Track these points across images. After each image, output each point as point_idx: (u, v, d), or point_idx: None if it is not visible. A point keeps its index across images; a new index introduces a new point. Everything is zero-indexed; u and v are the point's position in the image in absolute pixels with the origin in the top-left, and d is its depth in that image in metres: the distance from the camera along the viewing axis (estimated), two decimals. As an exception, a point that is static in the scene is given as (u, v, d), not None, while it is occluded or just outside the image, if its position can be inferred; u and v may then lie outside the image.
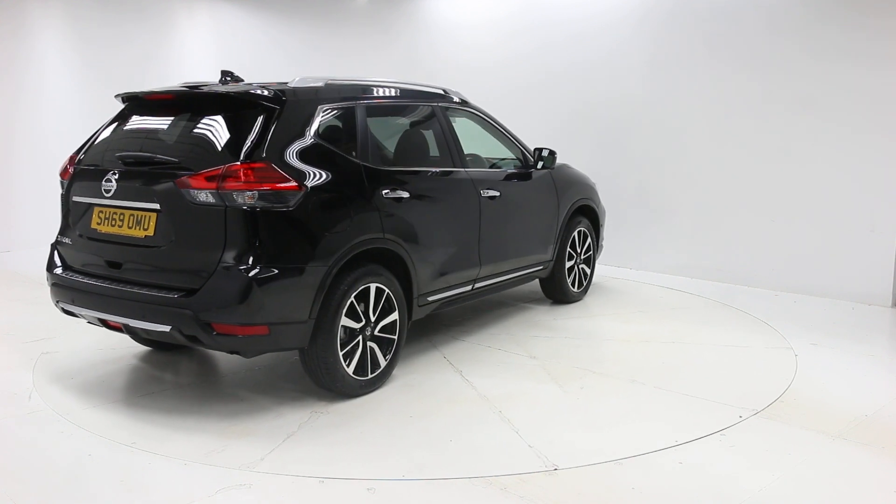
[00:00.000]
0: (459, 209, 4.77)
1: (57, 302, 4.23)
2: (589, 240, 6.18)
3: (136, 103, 4.33)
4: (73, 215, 4.20)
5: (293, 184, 3.67)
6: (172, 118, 4.04)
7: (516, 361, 4.68)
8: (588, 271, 6.26)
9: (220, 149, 3.73)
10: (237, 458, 3.34)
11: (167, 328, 3.64)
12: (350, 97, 4.24)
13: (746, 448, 3.46)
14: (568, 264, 5.93)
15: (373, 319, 4.08)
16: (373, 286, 4.03)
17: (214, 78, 4.73)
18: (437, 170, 4.76)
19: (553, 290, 6.01)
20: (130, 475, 3.20)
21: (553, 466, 3.24)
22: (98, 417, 3.81)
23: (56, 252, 4.29)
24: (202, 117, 3.90)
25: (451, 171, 4.81)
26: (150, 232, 3.77)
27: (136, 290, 3.76)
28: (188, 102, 4.10)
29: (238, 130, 3.75)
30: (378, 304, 4.09)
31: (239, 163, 3.59)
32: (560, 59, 8.08)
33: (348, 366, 3.94)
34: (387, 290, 4.13)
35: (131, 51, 9.29)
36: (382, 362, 4.17)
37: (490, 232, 4.97)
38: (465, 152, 5.48)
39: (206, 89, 4.05)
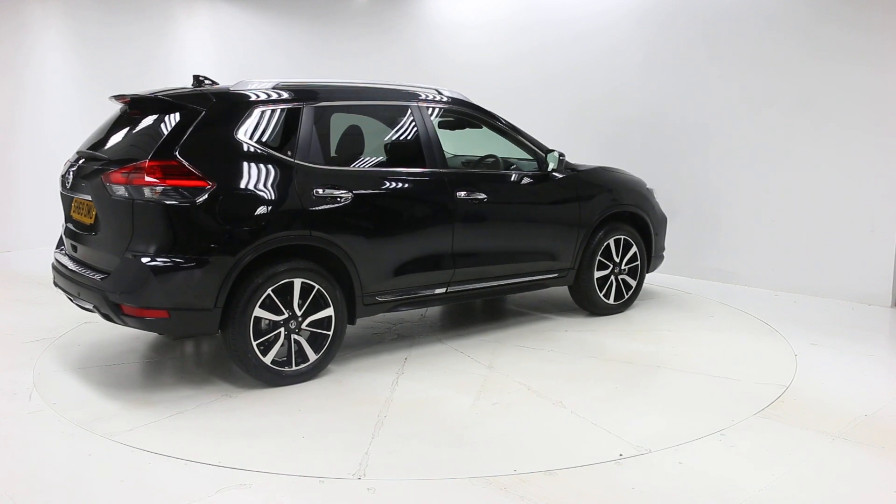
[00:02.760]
0: (423, 210, 4.69)
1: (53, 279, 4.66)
2: (634, 249, 5.78)
3: (119, 105, 4.65)
4: (64, 205, 4.67)
5: (202, 181, 3.90)
6: (127, 119, 4.39)
7: (468, 369, 4.53)
8: (632, 283, 5.83)
9: (142, 147, 4.04)
10: (113, 426, 3.66)
11: (90, 306, 4.13)
12: (298, 99, 4.36)
13: (746, 448, 3.46)
14: (599, 273, 5.58)
15: (299, 314, 4.18)
16: (297, 281, 4.15)
17: (216, 80, 4.79)
18: (396, 170, 4.70)
19: (582, 301, 5.69)
20: (130, 475, 3.20)
21: (359, 477, 3.17)
22: (99, 417, 3.81)
23: (61, 236, 4.81)
24: (144, 119, 4.26)
25: (416, 172, 4.73)
26: (92, 220, 4.22)
27: (78, 269, 4.26)
28: (139, 105, 4.39)
29: (163, 130, 4.06)
30: (306, 299, 4.20)
31: (148, 160, 3.88)
32: (560, 58, 8.10)
33: (265, 355, 4.10)
34: (317, 287, 4.21)
35: (131, 51, 9.29)
36: (312, 356, 4.27)
37: (469, 235, 4.86)
38: (485, 153, 5.49)
39: (148, 93, 4.32)
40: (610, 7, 7.66)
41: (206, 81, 4.50)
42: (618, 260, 5.69)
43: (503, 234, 5.09)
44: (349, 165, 4.65)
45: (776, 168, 6.64)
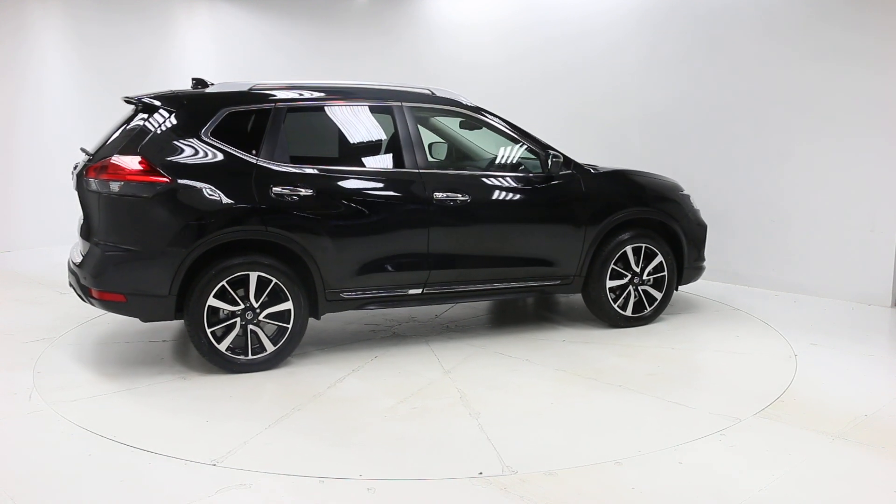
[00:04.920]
0: (393, 210, 4.67)
1: None
2: (659, 259, 5.37)
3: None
4: None
5: (160, 176, 4.21)
6: (126, 119, 4.56)
7: (423, 372, 4.49)
8: (657, 295, 5.42)
9: (120, 145, 4.34)
10: (59, 396, 4.09)
11: (73, 290, 4.55)
12: (268, 100, 4.56)
13: (746, 448, 3.46)
14: (614, 283, 5.27)
15: (256, 305, 4.39)
16: (253, 275, 4.36)
17: (216, 79, 4.82)
18: (364, 170, 4.73)
19: (596, 311, 5.38)
20: (130, 475, 3.20)
21: (213, 462, 3.30)
22: (98, 416, 3.82)
23: None
24: (132, 118, 4.49)
25: (387, 172, 4.74)
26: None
27: (74, 258, 4.56)
28: (133, 106, 4.60)
29: (137, 130, 4.36)
30: (262, 292, 4.40)
31: (113, 157, 4.26)
32: (560, 57, 8.10)
33: (219, 343, 4.36)
34: (274, 280, 4.39)
35: (131, 51, 9.29)
36: (269, 347, 4.47)
37: (447, 237, 4.79)
38: (496, 154, 5.38)
39: (137, 96, 4.56)
40: (610, 7, 7.66)
41: (212, 84, 4.62)
42: (637, 269, 5.34)
43: (488, 237, 4.96)
44: (317, 165, 4.61)
45: (776, 168, 6.64)
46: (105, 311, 5.48)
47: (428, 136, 5.59)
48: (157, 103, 4.43)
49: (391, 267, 4.69)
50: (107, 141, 4.46)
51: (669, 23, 7.24)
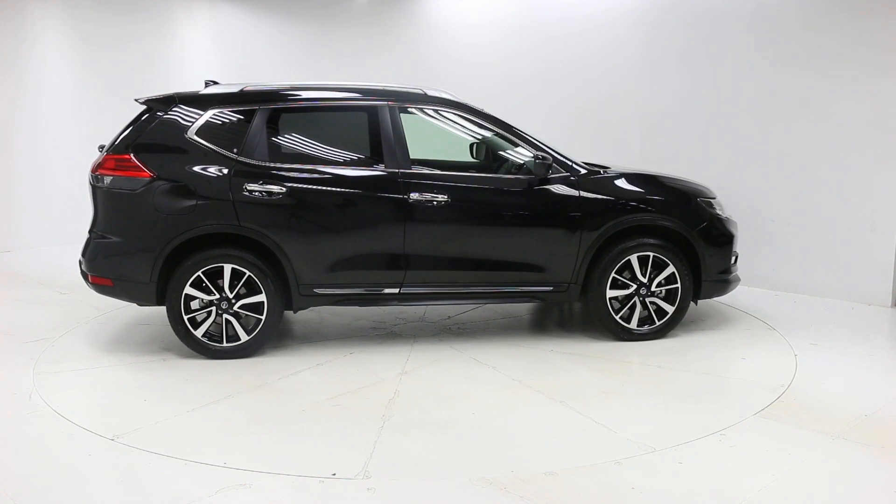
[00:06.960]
0: (367, 209, 4.72)
1: None
2: (671, 269, 5.02)
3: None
4: None
5: (145, 172, 4.54)
6: (133, 118, 4.84)
7: (381, 371, 4.50)
8: (668, 308, 5.06)
9: (118, 142, 4.67)
10: (45, 367, 4.56)
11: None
12: (255, 101, 4.77)
13: (746, 448, 3.46)
14: (616, 293, 5.00)
15: (230, 296, 4.64)
16: (227, 267, 4.60)
17: (217, 80, 4.86)
18: (341, 168, 4.74)
19: (598, 322, 5.15)
20: (130, 475, 3.20)
21: (113, 437, 3.54)
22: (98, 416, 3.82)
23: None
24: (138, 118, 4.77)
25: (365, 171, 4.76)
26: None
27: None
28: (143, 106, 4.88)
29: (135, 128, 4.70)
30: (237, 283, 4.63)
31: (106, 153, 4.64)
32: (559, 56, 8.10)
33: (196, 329, 4.64)
34: (247, 273, 4.61)
35: (131, 51, 9.30)
36: (244, 336, 4.69)
37: (424, 238, 4.76)
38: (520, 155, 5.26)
39: (140, 97, 4.84)
40: (609, 6, 7.66)
41: (215, 84, 4.93)
42: (644, 279, 5.01)
43: (469, 239, 4.86)
44: (295, 164, 4.70)
45: (776, 167, 6.64)
46: (104, 312, 5.70)
47: (467, 137, 5.55)
48: (155, 104, 4.72)
49: (365, 265, 4.77)
50: (116, 139, 4.73)
51: (668, 22, 7.24)
